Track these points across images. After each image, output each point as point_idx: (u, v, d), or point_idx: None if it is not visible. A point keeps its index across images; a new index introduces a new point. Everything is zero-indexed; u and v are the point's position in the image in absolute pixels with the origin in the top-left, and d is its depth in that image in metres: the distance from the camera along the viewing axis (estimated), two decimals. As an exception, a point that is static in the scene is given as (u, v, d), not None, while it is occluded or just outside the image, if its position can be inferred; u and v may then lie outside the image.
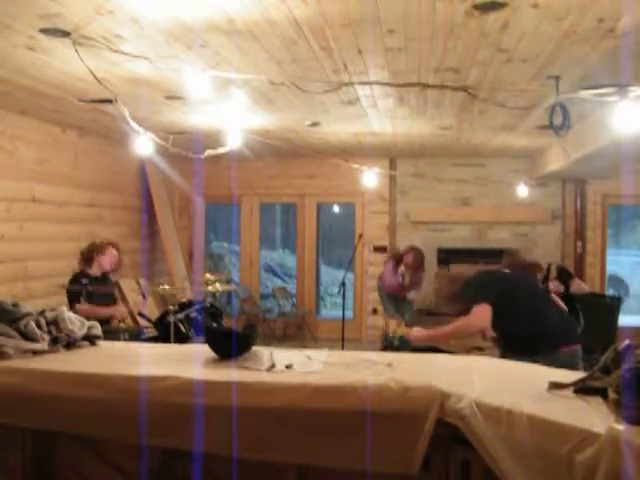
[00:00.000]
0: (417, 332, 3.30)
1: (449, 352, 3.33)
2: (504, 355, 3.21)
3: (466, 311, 3.12)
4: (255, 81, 3.97)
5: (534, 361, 2.51)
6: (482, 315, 3.04)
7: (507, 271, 3.80)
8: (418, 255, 6.61)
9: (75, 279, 4.74)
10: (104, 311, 4.73)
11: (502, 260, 6.00)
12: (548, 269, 5.29)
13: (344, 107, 4.85)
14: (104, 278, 4.99)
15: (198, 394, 2.10)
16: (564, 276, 5.23)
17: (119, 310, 4.97)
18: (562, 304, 3.60)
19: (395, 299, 6.88)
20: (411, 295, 6.82)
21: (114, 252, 5.03)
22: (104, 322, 4.16)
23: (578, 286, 5.19)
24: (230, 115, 5.00)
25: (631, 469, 1.44)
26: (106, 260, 4.95)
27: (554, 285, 5.07)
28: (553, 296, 3.61)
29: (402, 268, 6.62)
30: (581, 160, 5.72)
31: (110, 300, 4.98)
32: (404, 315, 6.54)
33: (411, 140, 6.60)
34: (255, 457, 2.09)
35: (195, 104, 4.69)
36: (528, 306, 3.14)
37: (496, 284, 3.26)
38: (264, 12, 2.79)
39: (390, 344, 3.39)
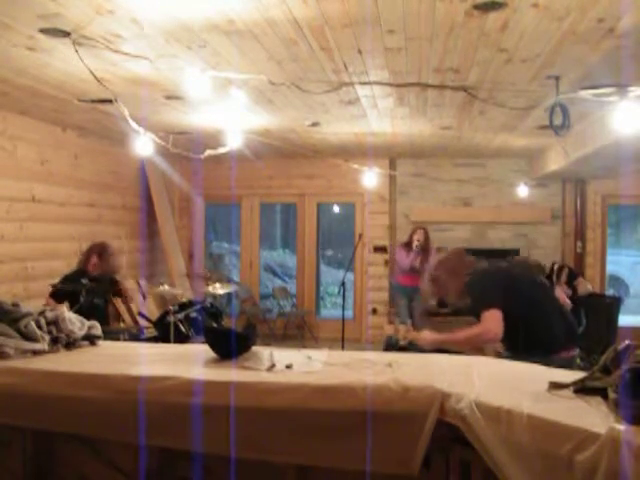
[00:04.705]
0: (427, 335, 3.15)
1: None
2: (502, 354, 3.15)
3: (473, 313, 3.03)
4: (255, 81, 3.97)
5: (533, 362, 2.49)
6: (498, 322, 2.91)
7: (505, 266, 3.65)
8: (426, 232, 6.95)
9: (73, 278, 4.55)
10: None
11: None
12: (557, 270, 5.24)
13: (344, 107, 4.84)
14: (101, 278, 4.81)
15: (198, 394, 2.09)
16: (570, 278, 5.20)
17: None
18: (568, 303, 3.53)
19: (406, 291, 6.93)
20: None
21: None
22: (104, 322, 4.11)
23: (584, 287, 5.17)
24: (230, 115, 5.00)
25: (631, 469, 1.44)
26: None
27: (564, 289, 5.04)
28: (559, 293, 3.52)
29: (415, 242, 6.81)
30: (581, 160, 5.72)
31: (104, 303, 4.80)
32: (416, 306, 6.64)
33: (411, 140, 6.59)
34: (255, 457, 2.09)
35: (195, 104, 4.69)
36: (530, 306, 3.08)
37: (501, 285, 3.15)
38: (264, 12, 2.79)
39: (393, 346, 3.31)
